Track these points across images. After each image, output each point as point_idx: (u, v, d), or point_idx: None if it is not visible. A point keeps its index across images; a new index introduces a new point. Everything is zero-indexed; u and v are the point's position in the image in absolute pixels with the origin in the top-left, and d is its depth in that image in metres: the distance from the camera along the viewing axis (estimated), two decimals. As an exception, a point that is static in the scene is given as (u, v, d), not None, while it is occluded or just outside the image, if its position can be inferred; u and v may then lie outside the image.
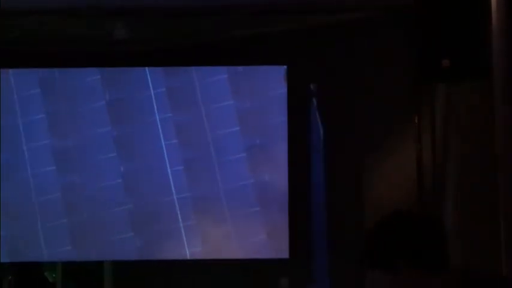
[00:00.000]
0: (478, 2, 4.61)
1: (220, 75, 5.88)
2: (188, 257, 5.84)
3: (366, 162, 5.66)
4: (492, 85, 4.62)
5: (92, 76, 5.88)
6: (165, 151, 5.85)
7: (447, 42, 4.59)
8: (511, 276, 4.27)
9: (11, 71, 5.85)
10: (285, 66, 5.83)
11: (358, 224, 5.47)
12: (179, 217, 5.82)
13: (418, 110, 5.40)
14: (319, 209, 5.84)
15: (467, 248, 4.57)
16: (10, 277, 6.15)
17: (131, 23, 5.65)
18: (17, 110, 5.85)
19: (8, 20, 5.33)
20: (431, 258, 2.14)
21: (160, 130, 5.86)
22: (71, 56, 6.12)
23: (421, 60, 4.71)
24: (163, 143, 5.86)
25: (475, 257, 4.50)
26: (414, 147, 5.40)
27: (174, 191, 5.82)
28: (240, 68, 5.89)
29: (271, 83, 5.86)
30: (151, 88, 5.87)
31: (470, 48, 4.56)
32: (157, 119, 5.87)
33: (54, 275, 6.23)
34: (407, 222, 2.19)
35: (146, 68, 5.89)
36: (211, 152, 5.82)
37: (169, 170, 5.83)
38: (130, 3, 5.30)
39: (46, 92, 5.88)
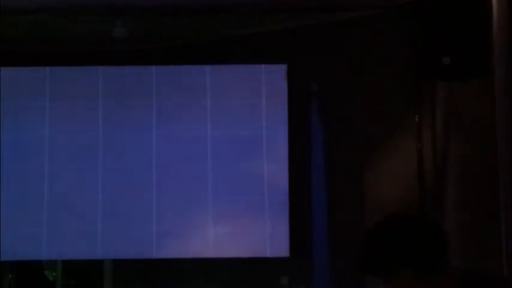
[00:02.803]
0: (478, 0, 4.61)
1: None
2: (188, 256, 5.84)
3: (367, 161, 5.65)
4: (493, 83, 4.61)
5: (92, 74, 5.91)
6: (164, 150, 5.88)
7: (448, 40, 4.58)
8: (511, 277, 4.27)
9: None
10: (285, 65, 5.83)
11: (359, 223, 5.46)
12: (179, 216, 5.82)
13: (418, 108, 5.40)
14: (320, 208, 5.84)
15: (467, 248, 4.56)
16: (10, 275, 6.16)
17: (131, 22, 5.65)
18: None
19: (7, 20, 5.32)
20: (428, 263, 2.13)
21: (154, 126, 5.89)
22: (71, 55, 6.12)
23: (422, 59, 4.71)
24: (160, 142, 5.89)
25: (475, 257, 4.49)
26: (415, 145, 5.40)
27: (174, 190, 5.83)
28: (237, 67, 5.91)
29: (270, 81, 5.86)
30: (153, 87, 5.90)
31: (471, 46, 4.56)
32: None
33: (54, 274, 6.24)
34: (403, 228, 2.17)
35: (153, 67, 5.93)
36: (209, 151, 5.83)
37: (170, 170, 5.83)
38: (131, 3, 5.30)
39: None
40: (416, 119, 5.40)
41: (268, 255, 5.80)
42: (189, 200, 5.82)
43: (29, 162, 5.84)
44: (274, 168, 5.77)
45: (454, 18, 4.58)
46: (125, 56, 6.16)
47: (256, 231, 5.78)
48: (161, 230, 5.81)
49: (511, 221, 4.36)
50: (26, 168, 5.84)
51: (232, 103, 5.85)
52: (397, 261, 2.13)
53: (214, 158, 5.81)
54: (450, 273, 2.15)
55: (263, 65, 5.88)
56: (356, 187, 5.66)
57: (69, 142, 5.87)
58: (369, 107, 5.59)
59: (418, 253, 2.13)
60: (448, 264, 2.14)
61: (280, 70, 5.83)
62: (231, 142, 5.82)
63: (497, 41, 4.58)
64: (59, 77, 5.90)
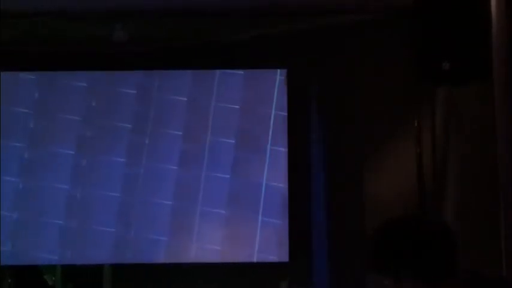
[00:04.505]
0: (478, 3, 4.61)
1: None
2: (187, 260, 5.83)
3: (367, 164, 5.65)
4: (493, 87, 4.61)
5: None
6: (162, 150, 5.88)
7: (447, 44, 4.58)
8: (511, 277, 4.26)
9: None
10: (285, 69, 5.83)
11: (359, 227, 5.46)
12: (178, 220, 5.81)
13: (418, 112, 5.40)
14: (320, 211, 5.83)
15: (467, 249, 4.55)
16: (9, 280, 6.14)
17: (131, 25, 5.65)
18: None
19: (6, 22, 5.32)
20: (436, 269, 2.12)
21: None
22: (71, 58, 6.13)
23: (421, 63, 4.70)
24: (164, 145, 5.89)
25: (475, 258, 4.48)
26: (415, 149, 5.40)
27: (172, 193, 5.82)
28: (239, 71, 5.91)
29: (270, 85, 5.87)
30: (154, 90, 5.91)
31: (471, 50, 4.55)
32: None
33: (53, 278, 6.22)
34: (413, 231, 2.16)
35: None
36: (206, 152, 5.82)
37: (169, 171, 5.83)
38: (130, 5, 5.30)
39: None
40: (416, 124, 5.40)
41: (268, 259, 5.78)
42: (187, 204, 5.81)
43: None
44: (273, 171, 5.77)
45: (453, 22, 4.58)
46: (125, 59, 6.16)
47: (255, 235, 5.77)
48: (160, 234, 5.81)
49: (511, 221, 4.36)
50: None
51: (231, 106, 5.84)
52: (406, 264, 2.12)
53: (212, 161, 5.81)
54: (457, 276, 2.14)
55: (263, 70, 5.88)
56: (357, 190, 5.65)
57: (62, 144, 5.89)
58: (369, 110, 5.60)
59: (427, 256, 2.12)
60: (457, 268, 2.13)
61: (280, 74, 5.83)
62: (229, 145, 5.82)
63: (497, 44, 4.57)
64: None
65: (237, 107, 5.85)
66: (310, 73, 5.86)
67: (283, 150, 5.76)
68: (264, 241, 5.76)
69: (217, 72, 5.89)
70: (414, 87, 5.26)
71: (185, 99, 5.89)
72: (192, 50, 6.22)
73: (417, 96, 5.37)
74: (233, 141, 5.82)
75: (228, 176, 5.80)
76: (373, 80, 5.56)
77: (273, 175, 5.77)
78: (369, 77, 5.57)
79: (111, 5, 5.25)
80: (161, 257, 5.83)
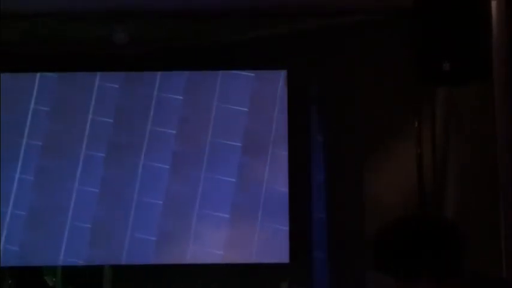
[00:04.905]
0: (478, 3, 4.61)
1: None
2: (188, 261, 5.83)
3: (367, 164, 5.65)
4: (493, 87, 4.62)
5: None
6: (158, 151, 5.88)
7: (447, 44, 4.57)
8: (511, 277, 4.26)
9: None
10: (285, 70, 5.83)
11: (359, 227, 5.46)
12: (177, 221, 5.81)
13: (418, 113, 5.41)
14: (320, 212, 5.83)
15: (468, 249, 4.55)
16: (10, 281, 6.15)
17: (131, 26, 5.66)
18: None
19: (6, 22, 5.32)
20: (445, 268, 2.11)
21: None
22: (71, 58, 6.13)
23: (421, 63, 4.70)
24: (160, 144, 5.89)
25: (475, 258, 4.48)
26: (415, 149, 5.40)
27: (172, 194, 5.82)
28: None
29: (270, 86, 5.87)
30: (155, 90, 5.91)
31: (471, 50, 4.55)
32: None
33: (54, 279, 6.22)
34: (414, 230, 2.16)
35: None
36: (206, 152, 5.82)
37: (168, 172, 5.83)
38: (130, 6, 5.30)
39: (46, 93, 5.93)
40: (416, 123, 5.41)
41: (268, 261, 5.78)
42: (186, 205, 5.80)
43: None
44: (274, 172, 5.77)
45: (453, 23, 4.57)
46: (125, 60, 6.17)
47: (256, 237, 5.77)
48: (160, 236, 5.80)
49: (511, 221, 4.36)
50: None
51: (231, 108, 5.85)
52: (407, 264, 2.11)
53: (211, 162, 5.81)
54: (461, 275, 2.14)
55: (268, 71, 5.89)
56: (357, 191, 5.65)
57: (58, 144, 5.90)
58: (369, 110, 5.60)
59: (427, 256, 2.11)
60: (459, 267, 2.13)
61: (280, 75, 5.83)
62: (229, 146, 5.82)
63: (497, 45, 4.58)
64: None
65: (239, 108, 5.85)
66: (310, 73, 5.87)
67: (284, 153, 5.76)
68: (264, 242, 5.75)
69: (220, 73, 5.89)
70: (414, 87, 5.26)
71: (181, 97, 5.90)
72: (192, 50, 6.23)
73: (417, 96, 5.38)
74: (234, 143, 5.82)
75: (229, 178, 5.80)
76: (373, 80, 5.56)
77: (274, 177, 5.77)
78: (369, 77, 5.57)
79: (111, 5, 5.24)
80: (161, 258, 5.82)
